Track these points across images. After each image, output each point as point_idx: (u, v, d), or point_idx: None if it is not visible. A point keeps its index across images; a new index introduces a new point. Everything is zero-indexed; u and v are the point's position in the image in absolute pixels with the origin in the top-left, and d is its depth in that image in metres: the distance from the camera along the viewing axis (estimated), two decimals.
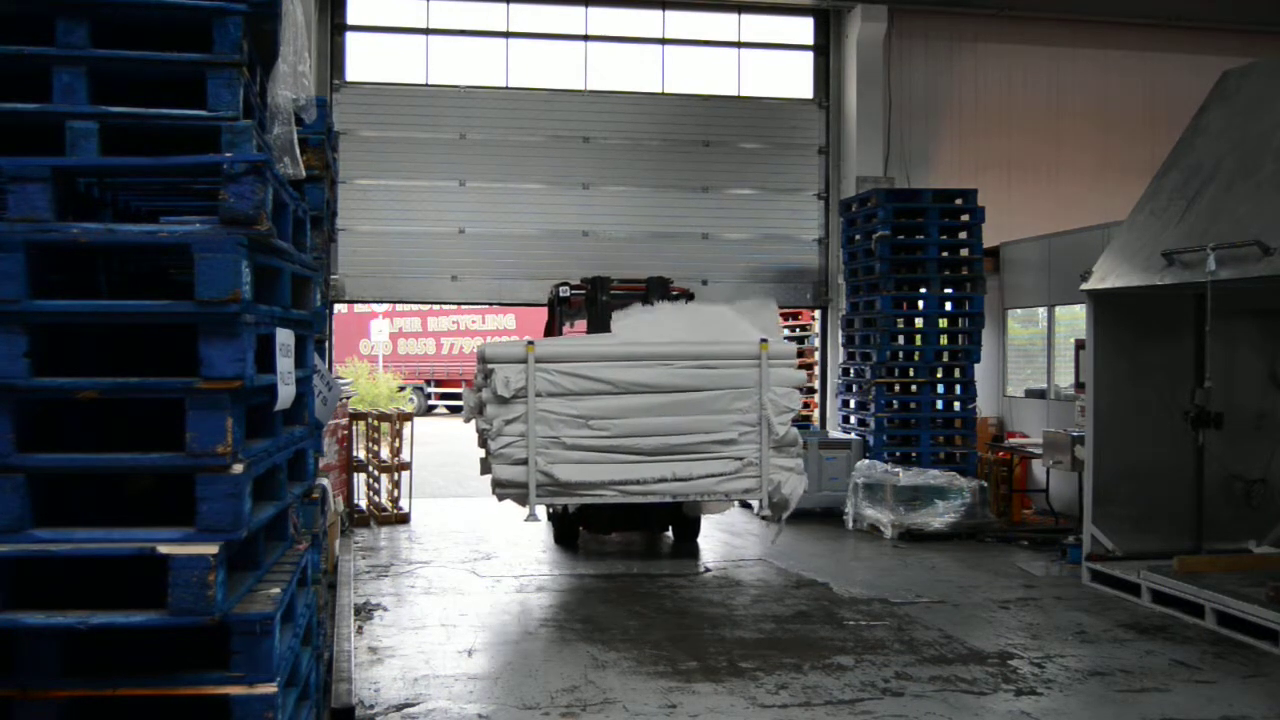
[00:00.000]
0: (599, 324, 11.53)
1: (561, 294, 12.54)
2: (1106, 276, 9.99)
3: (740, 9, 16.87)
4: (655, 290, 12.19)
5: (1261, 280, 8.43)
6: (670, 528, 12.53)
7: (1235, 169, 9.23)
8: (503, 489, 10.14)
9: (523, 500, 10.07)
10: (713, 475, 10.21)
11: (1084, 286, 10.21)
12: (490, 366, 10.03)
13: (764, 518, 10.51)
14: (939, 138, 17.02)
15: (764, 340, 10.19)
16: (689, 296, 12.70)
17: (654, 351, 10.25)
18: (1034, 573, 10.88)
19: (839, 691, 7.08)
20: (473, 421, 10.65)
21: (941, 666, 7.63)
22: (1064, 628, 8.79)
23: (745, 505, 13.87)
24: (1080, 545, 10.52)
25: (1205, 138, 9.89)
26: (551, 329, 13.18)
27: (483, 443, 10.41)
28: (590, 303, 12.15)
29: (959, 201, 14.63)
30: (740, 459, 10.24)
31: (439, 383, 39.08)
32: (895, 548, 12.17)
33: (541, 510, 12.02)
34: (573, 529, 12.25)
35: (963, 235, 14.61)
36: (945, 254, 14.58)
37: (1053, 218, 15.69)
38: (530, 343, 10.08)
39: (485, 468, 10.57)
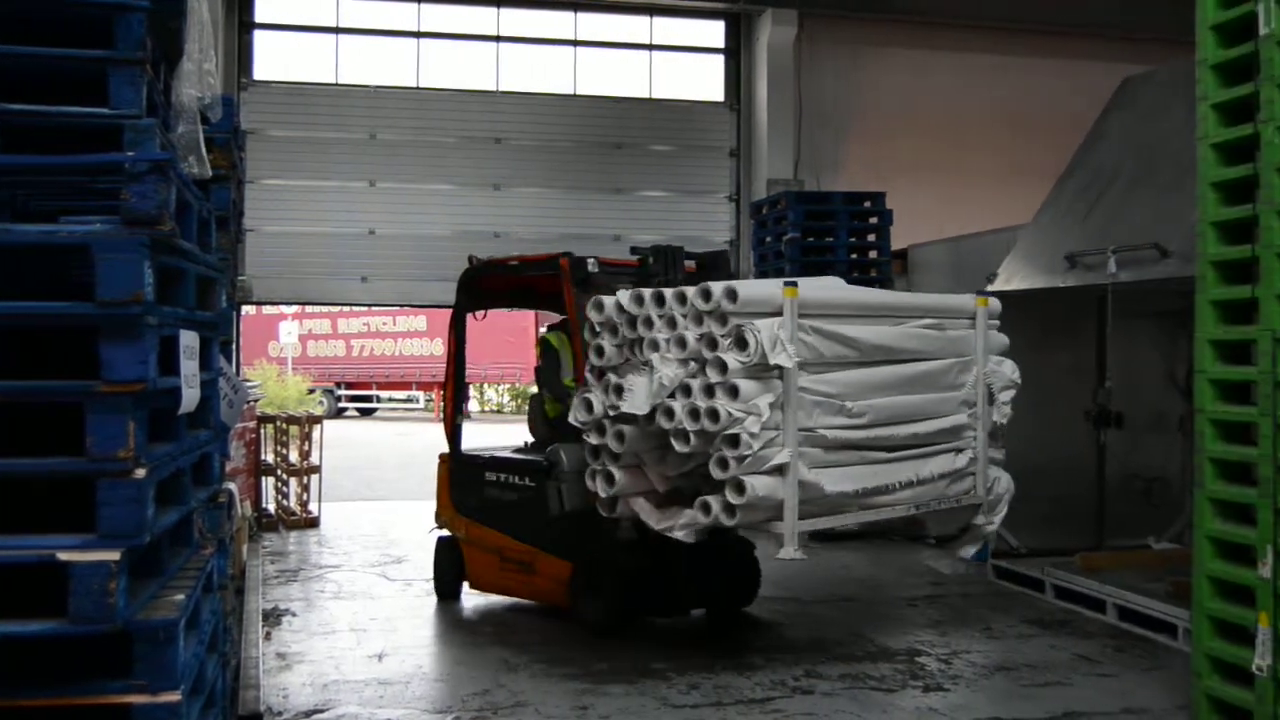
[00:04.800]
0: None
1: (590, 268, 8.69)
2: (1012, 278, 10.17)
3: (652, 12, 16.92)
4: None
5: (1160, 282, 8.63)
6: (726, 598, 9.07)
7: (1135, 173, 9.45)
8: (751, 513, 7.02)
9: (772, 529, 7.22)
10: (944, 476, 7.98)
11: (989, 288, 10.38)
12: (740, 323, 6.85)
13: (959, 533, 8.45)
14: (849, 141, 17.19)
15: (982, 293, 8.05)
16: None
17: (891, 302, 8.08)
18: (942, 570, 11.03)
19: (750, 690, 7.12)
20: (631, 414, 7.09)
21: (851, 664, 7.71)
22: (970, 624, 8.92)
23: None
24: (987, 543, 10.67)
25: (1106, 142, 10.12)
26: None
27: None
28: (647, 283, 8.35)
29: (868, 204, 14.78)
30: (964, 450, 8.14)
31: (349, 385, 38.79)
32: (806, 547, 12.23)
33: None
34: (626, 606, 8.50)
35: (871, 237, 14.75)
36: (854, 256, 14.70)
37: (960, 220, 15.87)
38: (792, 284, 7.05)
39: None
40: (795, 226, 14.35)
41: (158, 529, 3.62)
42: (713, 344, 6.95)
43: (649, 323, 7.23)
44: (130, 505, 3.38)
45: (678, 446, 7.04)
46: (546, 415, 9.31)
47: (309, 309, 35.91)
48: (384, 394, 40.19)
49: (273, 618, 9.05)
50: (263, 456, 13.76)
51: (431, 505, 9.85)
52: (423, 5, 16.32)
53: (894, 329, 7.74)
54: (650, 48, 17.02)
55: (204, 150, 4.68)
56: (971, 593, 10.05)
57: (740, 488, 6.84)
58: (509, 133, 16.40)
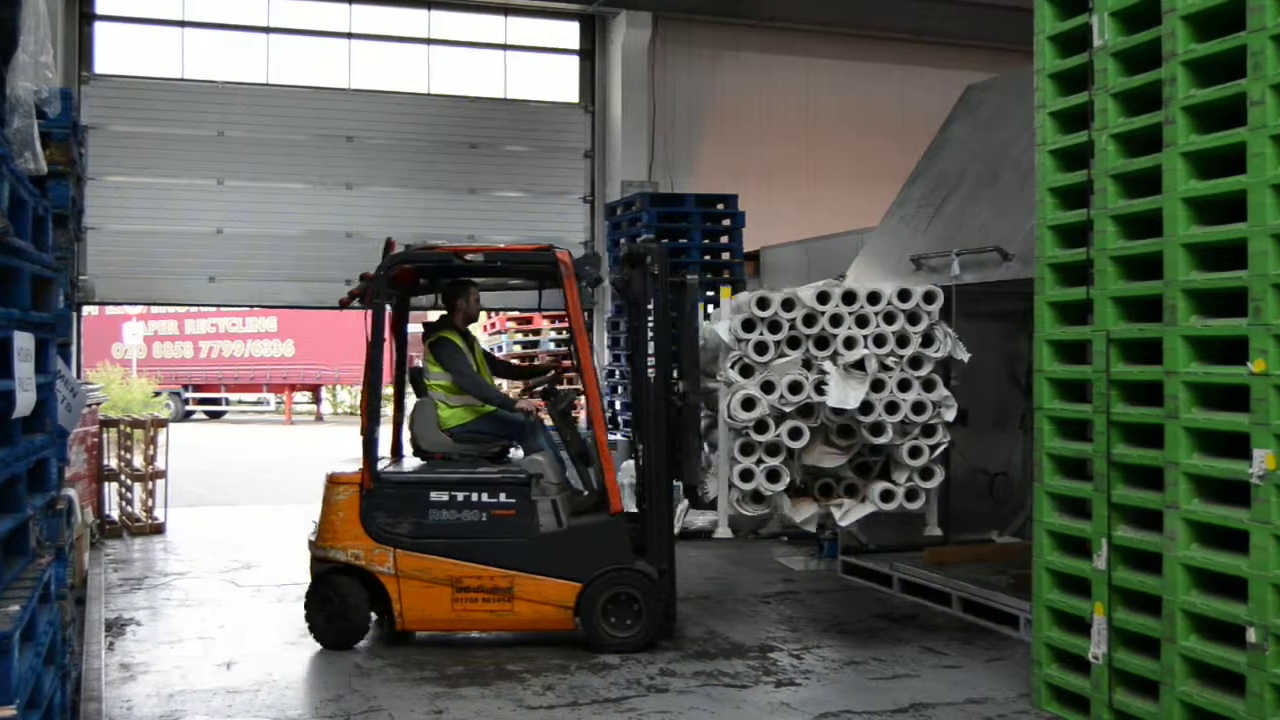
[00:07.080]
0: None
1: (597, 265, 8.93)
2: (860, 279, 10.36)
3: (506, 11, 16.88)
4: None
5: (1001, 284, 8.88)
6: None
7: (978, 178, 9.70)
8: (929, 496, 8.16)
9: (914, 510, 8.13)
10: None
11: None
12: (931, 322, 7.96)
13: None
14: (702, 143, 17.37)
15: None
16: None
17: None
18: (793, 568, 11.20)
19: (605, 690, 7.15)
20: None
21: (705, 662, 7.78)
22: (821, 620, 9.08)
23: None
24: (836, 540, 10.88)
25: (950, 148, 10.38)
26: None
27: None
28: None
29: (721, 206, 14.96)
30: None
31: (197, 388, 37.86)
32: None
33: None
34: (662, 619, 8.26)
35: (724, 239, 14.94)
36: (708, 257, 14.87)
37: (811, 222, 16.17)
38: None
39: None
40: (649, 228, 14.44)
41: None
42: (902, 340, 7.81)
43: (836, 320, 7.81)
44: None
45: (871, 438, 7.76)
46: (440, 423, 8.61)
47: (154, 310, 34.95)
48: (233, 397, 39.39)
49: (116, 627, 8.80)
50: (105, 461, 13.36)
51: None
52: (272, 0, 16.03)
53: None
54: (505, 48, 16.96)
55: (39, 145, 4.54)
56: (822, 589, 10.23)
57: (929, 474, 7.88)
58: (362, 131, 16.20)
